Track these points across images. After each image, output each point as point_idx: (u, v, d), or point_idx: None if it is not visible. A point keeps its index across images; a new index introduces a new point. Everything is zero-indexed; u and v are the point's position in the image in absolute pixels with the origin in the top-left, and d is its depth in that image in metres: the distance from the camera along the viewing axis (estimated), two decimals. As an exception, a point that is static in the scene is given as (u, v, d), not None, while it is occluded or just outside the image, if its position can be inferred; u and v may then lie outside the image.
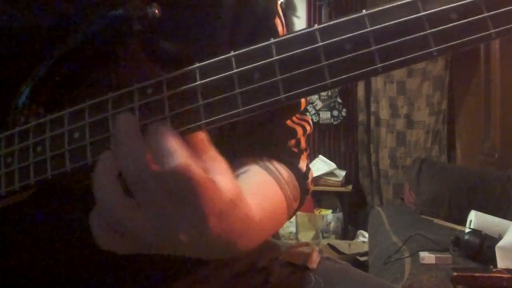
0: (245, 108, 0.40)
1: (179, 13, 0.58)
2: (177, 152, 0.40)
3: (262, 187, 0.59)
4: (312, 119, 3.89)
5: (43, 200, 0.54)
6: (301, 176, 0.69)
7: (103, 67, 0.51)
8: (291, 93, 0.39)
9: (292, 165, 0.68)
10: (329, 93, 3.92)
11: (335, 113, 3.93)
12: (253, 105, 0.40)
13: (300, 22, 4.05)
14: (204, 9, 0.61)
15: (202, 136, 0.44)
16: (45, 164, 0.47)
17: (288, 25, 3.95)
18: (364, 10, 0.38)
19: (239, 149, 0.67)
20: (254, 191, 0.56)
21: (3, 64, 0.53)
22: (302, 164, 0.70)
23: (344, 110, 3.94)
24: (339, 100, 3.94)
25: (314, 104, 3.92)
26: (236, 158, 0.65)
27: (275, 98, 0.40)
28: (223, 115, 0.41)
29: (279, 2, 0.70)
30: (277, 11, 0.68)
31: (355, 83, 4.01)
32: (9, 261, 0.58)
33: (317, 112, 3.93)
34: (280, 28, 0.68)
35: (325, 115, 3.93)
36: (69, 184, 0.56)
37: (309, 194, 0.72)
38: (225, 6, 0.62)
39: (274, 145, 0.68)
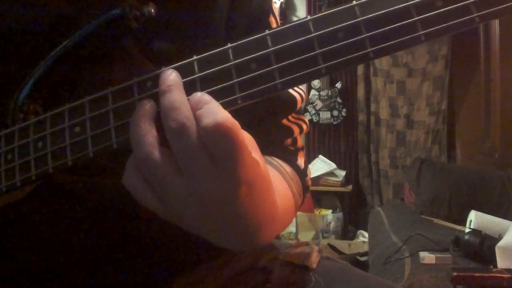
0: (242, 94, 0.42)
1: (174, 12, 0.58)
2: (220, 110, 0.40)
3: (274, 181, 0.59)
4: (312, 119, 3.89)
5: (42, 200, 0.54)
6: (301, 173, 0.69)
7: (100, 65, 0.52)
8: (286, 78, 0.41)
9: (291, 162, 0.68)
10: (329, 93, 3.92)
11: (335, 113, 3.93)
12: (250, 91, 0.42)
13: (300, 22, 4.05)
14: (199, 8, 0.61)
15: None
16: (46, 158, 0.47)
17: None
18: (354, 1, 0.40)
19: None
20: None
21: (1, 63, 0.53)
22: (300, 161, 0.70)
23: (344, 110, 3.94)
24: (339, 100, 3.94)
25: (314, 104, 3.92)
26: None
27: (272, 83, 0.41)
28: (221, 101, 0.42)
29: (274, 1, 0.71)
30: (272, 9, 0.69)
31: (355, 83, 4.02)
32: (8, 260, 0.58)
33: (317, 112, 3.93)
34: (274, 26, 0.68)
35: (325, 115, 3.93)
36: (69, 182, 0.56)
37: (308, 192, 0.72)
38: (219, 5, 0.63)
39: (271, 144, 0.69)
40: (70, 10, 0.53)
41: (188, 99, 0.41)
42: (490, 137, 3.42)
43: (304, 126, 0.73)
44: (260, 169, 0.43)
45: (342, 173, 3.89)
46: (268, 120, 0.67)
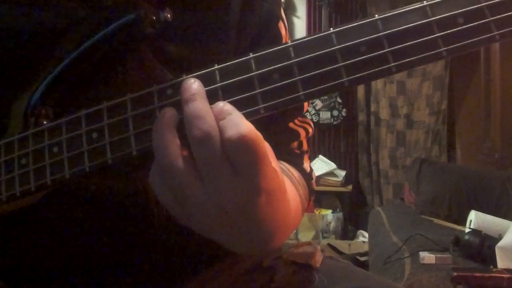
0: (266, 105, 0.42)
1: (186, 17, 0.59)
2: (243, 121, 0.40)
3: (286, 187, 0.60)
4: (312, 119, 3.89)
5: (53, 203, 0.54)
6: (307, 177, 0.70)
7: (114, 69, 0.52)
8: (310, 90, 0.41)
9: (297, 165, 0.69)
10: (329, 93, 3.92)
11: (335, 113, 3.94)
12: (274, 102, 0.42)
13: (300, 22, 4.05)
14: (211, 13, 0.62)
15: None
16: (62, 164, 0.47)
17: (288, 25, 3.93)
18: (376, 15, 0.41)
19: None
20: None
21: (10, 64, 0.53)
22: (306, 165, 0.71)
23: (344, 110, 3.94)
24: (339, 100, 3.94)
25: (314, 104, 3.92)
26: None
27: (294, 95, 0.42)
28: (244, 112, 0.42)
29: (282, 6, 0.71)
30: (281, 15, 0.69)
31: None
32: (18, 261, 0.58)
33: (317, 112, 3.93)
34: (283, 32, 0.69)
35: (325, 115, 3.93)
36: (80, 185, 0.56)
37: (313, 195, 0.73)
38: (231, 10, 0.63)
39: (278, 147, 0.69)
40: (83, 13, 0.53)
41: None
42: (490, 137, 3.42)
43: (310, 130, 0.73)
44: (279, 178, 0.43)
45: (342, 173, 3.89)
46: (275, 123, 0.68)
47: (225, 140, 0.40)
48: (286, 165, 0.66)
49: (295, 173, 0.66)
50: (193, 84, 0.42)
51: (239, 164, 0.40)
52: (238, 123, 0.40)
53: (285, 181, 0.60)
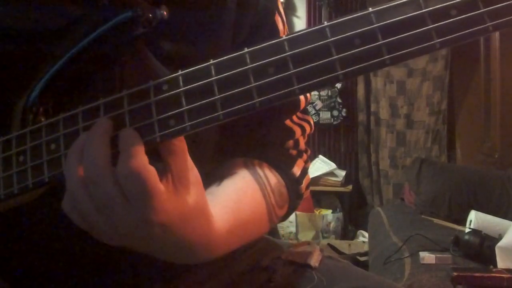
0: (261, 99, 0.42)
1: (183, 14, 0.59)
2: (136, 157, 0.42)
3: (242, 196, 0.60)
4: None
5: (53, 201, 0.54)
6: (293, 182, 0.68)
7: (111, 66, 0.52)
8: (304, 84, 0.42)
9: (284, 170, 0.68)
10: (329, 93, 3.92)
11: (335, 113, 3.93)
12: (268, 96, 0.42)
13: (300, 22, 4.05)
14: (207, 10, 0.62)
15: (179, 145, 0.45)
16: (59, 161, 0.47)
17: (288, 25, 3.94)
18: (370, 8, 0.41)
19: (234, 148, 0.67)
20: (231, 201, 0.57)
21: (8, 63, 0.53)
22: (296, 169, 0.69)
23: (344, 110, 3.94)
24: (339, 100, 3.94)
25: (314, 104, 3.92)
26: (229, 157, 0.66)
27: (289, 89, 0.42)
28: (239, 106, 0.42)
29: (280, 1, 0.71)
30: (277, 7, 0.69)
31: (355, 83, 4.02)
32: (19, 260, 0.58)
33: (317, 112, 3.93)
34: (280, 25, 0.69)
35: (325, 115, 3.93)
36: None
37: (302, 199, 0.72)
38: (227, 8, 0.63)
39: (271, 146, 0.68)
40: (80, 11, 0.53)
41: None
42: (490, 137, 3.43)
43: (307, 128, 0.72)
44: (181, 209, 0.46)
45: (342, 173, 3.89)
46: (270, 121, 0.67)
47: (117, 172, 0.43)
48: (266, 172, 0.65)
49: (272, 180, 0.65)
50: (94, 125, 0.45)
51: (130, 195, 0.43)
52: (132, 157, 0.42)
53: (250, 191, 0.61)
